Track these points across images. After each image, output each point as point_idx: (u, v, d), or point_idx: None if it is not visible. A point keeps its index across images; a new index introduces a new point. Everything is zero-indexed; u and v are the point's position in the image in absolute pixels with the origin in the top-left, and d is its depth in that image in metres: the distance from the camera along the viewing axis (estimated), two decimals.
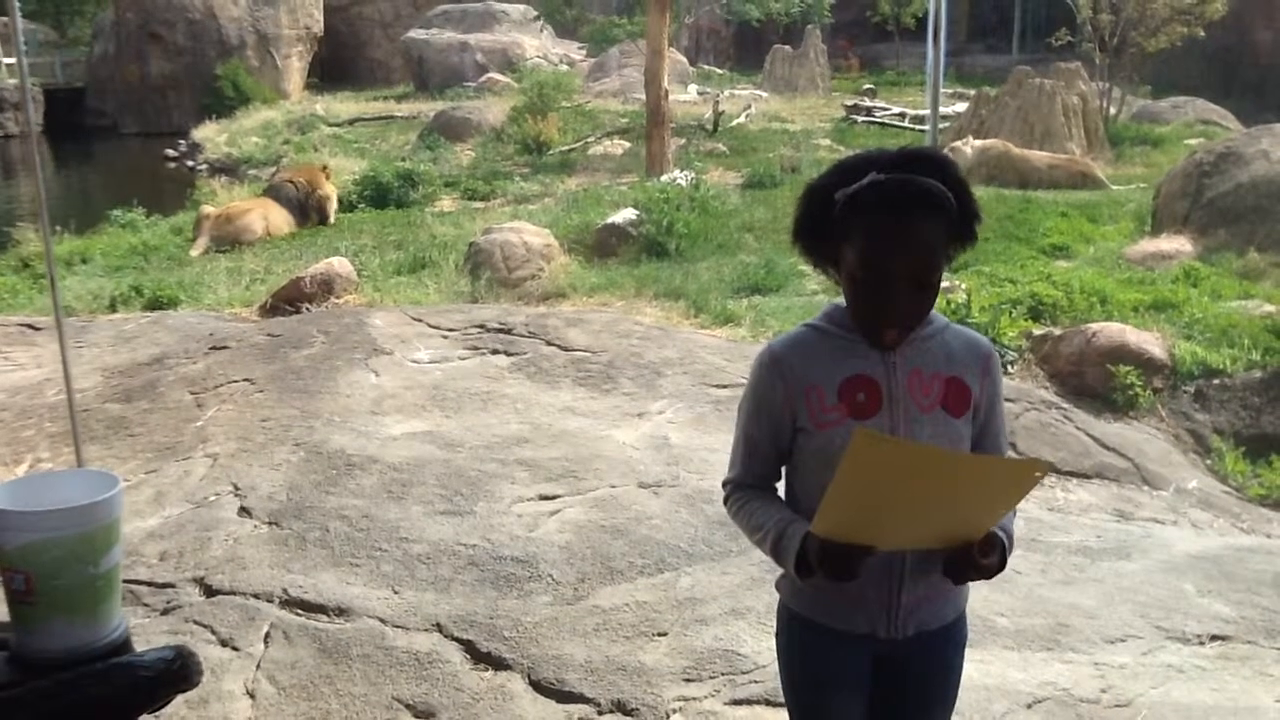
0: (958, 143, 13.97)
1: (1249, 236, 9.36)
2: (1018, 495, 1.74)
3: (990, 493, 1.69)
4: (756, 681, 3.26)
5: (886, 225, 1.72)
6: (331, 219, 13.21)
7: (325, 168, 13.97)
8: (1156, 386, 6.65)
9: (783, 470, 1.96)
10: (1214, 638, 3.63)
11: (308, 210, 13.02)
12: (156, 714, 1.43)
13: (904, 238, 1.72)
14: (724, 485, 2.00)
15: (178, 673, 1.32)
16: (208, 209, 12.56)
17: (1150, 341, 6.87)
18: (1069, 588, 3.96)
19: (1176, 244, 9.59)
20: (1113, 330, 6.94)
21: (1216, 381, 6.67)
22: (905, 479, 1.63)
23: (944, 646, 1.95)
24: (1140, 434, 6.28)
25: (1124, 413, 6.51)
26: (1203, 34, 17.94)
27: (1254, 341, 6.97)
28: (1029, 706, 3.16)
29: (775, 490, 1.97)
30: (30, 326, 7.68)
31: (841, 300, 1.88)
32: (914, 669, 1.94)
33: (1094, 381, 6.70)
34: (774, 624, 2.05)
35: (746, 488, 1.95)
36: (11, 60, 28.71)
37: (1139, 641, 3.57)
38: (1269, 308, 7.64)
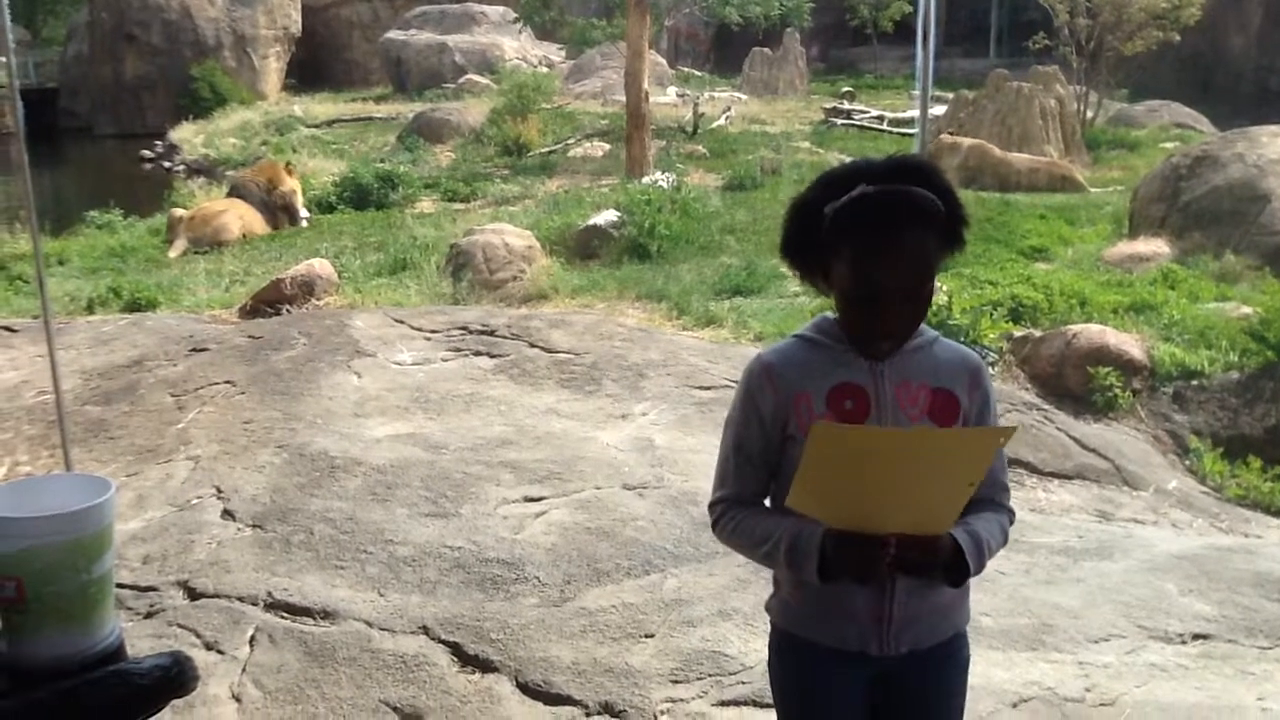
0: (950, 138, 14.00)
1: (1225, 239, 9.45)
2: (985, 462, 1.70)
3: (956, 464, 1.68)
4: (744, 682, 3.26)
5: (876, 239, 1.72)
6: (302, 213, 13.04)
7: (289, 164, 13.83)
8: (1136, 388, 6.70)
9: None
10: (1196, 636, 3.66)
11: (273, 208, 12.89)
12: None
13: (894, 250, 1.71)
14: (712, 507, 1.91)
15: (175, 680, 1.30)
16: (179, 211, 12.49)
17: (1129, 343, 6.92)
18: (1052, 588, 3.99)
19: (1154, 246, 9.67)
20: (1092, 332, 6.99)
21: (1195, 383, 6.73)
22: (870, 463, 1.65)
23: (942, 667, 1.90)
24: (1120, 435, 6.33)
25: (1104, 414, 6.56)
26: (1178, 39, 18.13)
27: (1231, 343, 7.03)
28: (1014, 706, 3.18)
29: (765, 506, 1.91)
30: (6, 329, 7.59)
31: (830, 312, 1.88)
32: (911, 690, 1.89)
33: (1074, 383, 6.74)
34: (760, 625, 2.03)
35: (739, 504, 1.88)
36: None
37: (1122, 641, 3.59)
38: (1246, 309, 7.70)
